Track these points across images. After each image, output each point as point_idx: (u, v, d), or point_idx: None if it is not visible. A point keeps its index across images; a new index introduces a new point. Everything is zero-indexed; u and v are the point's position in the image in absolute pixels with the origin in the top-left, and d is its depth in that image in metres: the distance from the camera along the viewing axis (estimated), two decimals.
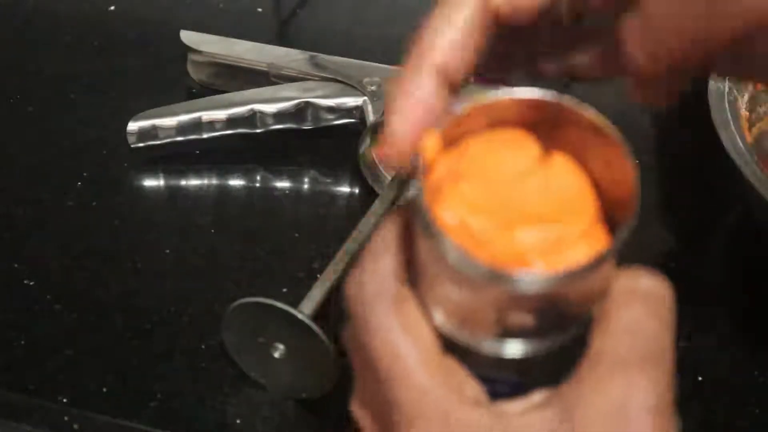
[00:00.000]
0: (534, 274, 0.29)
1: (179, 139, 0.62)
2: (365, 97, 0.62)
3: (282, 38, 0.73)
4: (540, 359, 0.32)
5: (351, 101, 0.63)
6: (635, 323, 0.31)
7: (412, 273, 0.32)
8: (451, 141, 0.32)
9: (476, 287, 0.30)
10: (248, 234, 0.60)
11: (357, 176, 0.62)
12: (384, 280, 0.32)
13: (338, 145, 0.64)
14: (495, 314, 0.31)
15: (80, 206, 0.61)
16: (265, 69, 0.65)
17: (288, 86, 0.64)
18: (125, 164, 0.63)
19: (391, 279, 0.32)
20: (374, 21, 0.75)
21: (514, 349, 0.32)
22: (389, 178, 0.61)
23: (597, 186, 0.32)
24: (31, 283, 0.56)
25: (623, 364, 0.30)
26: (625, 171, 0.30)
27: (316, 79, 0.64)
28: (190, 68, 0.68)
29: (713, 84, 0.57)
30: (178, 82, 0.68)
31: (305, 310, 0.48)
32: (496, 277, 0.29)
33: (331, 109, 0.63)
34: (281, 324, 0.47)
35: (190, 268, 0.58)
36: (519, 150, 0.32)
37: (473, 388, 0.32)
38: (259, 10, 0.75)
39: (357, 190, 0.62)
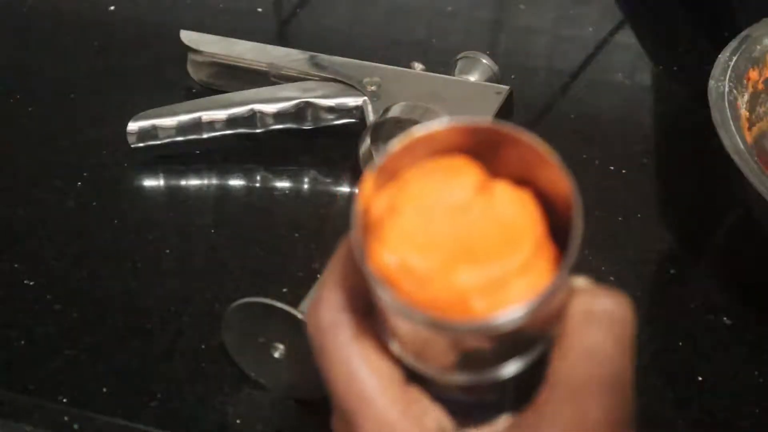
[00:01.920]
0: (473, 321, 0.29)
1: (179, 139, 0.62)
2: (365, 97, 0.62)
3: (282, 38, 0.73)
4: (504, 381, 0.32)
5: (351, 101, 0.63)
6: (591, 347, 0.30)
7: (368, 302, 0.32)
8: (391, 175, 0.32)
9: (421, 331, 0.30)
10: (248, 234, 0.60)
11: (357, 176, 0.62)
12: (340, 311, 0.32)
13: (338, 145, 0.64)
14: (446, 351, 0.30)
15: (80, 206, 0.61)
16: (265, 69, 0.65)
17: (288, 86, 0.64)
18: (125, 164, 0.63)
19: (347, 310, 0.32)
20: (374, 21, 0.75)
21: (473, 378, 0.31)
22: None
23: (544, 208, 0.31)
24: (31, 283, 0.56)
25: (579, 390, 0.30)
26: (566, 194, 0.30)
27: (316, 79, 0.64)
28: (190, 68, 0.68)
29: (713, 84, 0.57)
30: (178, 82, 0.68)
31: (305, 310, 0.48)
32: (435, 325, 0.29)
33: (331, 109, 0.63)
34: (281, 324, 0.47)
35: (190, 268, 0.58)
36: (458, 180, 0.31)
37: (436, 417, 0.32)
38: (259, 10, 0.75)
39: (357, 190, 0.62)
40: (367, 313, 0.32)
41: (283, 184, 0.62)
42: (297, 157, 0.64)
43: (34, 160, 0.64)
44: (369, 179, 0.31)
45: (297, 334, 0.47)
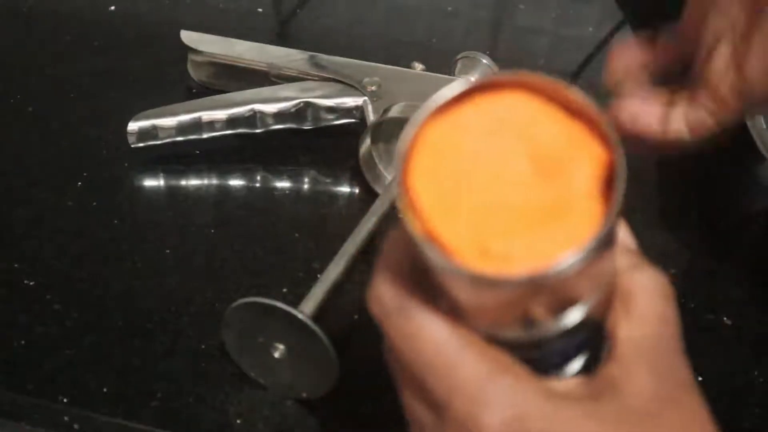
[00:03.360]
0: (533, 271, 0.29)
1: (179, 139, 0.62)
2: (365, 97, 0.62)
3: (282, 38, 0.73)
4: (568, 338, 0.33)
5: (351, 101, 0.63)
6: (657, 310, 0.33)
7: (425, 285, 0.33)
8: (436, 140, 0.32)
9: (486, 293, 0.30)
10: (248, 234, 0.60)
11: (357, 176, 0.62)
12: (404, 294, 0.33)
13: (338, 145, 0.64)
14: (510, 310, 0.31)
15: (80, 206, 0.61)
16: (265, 69, 0.65)
17: (288, 86, 0.64)
18: (125, 164, 0.63)
19: (411, 292, 0.33)
20: (374, 21, 0.75)
21: (538, 333, 0.32)
22: (389, 178, 0.61)
23: (590, 167, 0.32)
24: (31, 283, 0.56)
25: (653, 347, 0.33)
26: (610, 145, 0.31)
27: (316, 79, 0.64)
28: (190, 68, 0.68)
29: None
30: (178, 82, 0.68)
31: (305, 310, 0.48)
32: (499, 282, 0.29)
33: (331, 109, 0.63)
34: (281, 324, 0.47)
35: (190, 268, 0.58)
36: (504, 145, 0.32)
37: (522, 367, 0.33)
38: (259, 10, 0.75)
39: (357, 190, 0.62)
40: (427, 294, 0.33)
41: (283, 184, 0.62)
42: (297, 157, 0.64)
43: (34, 160, 0.64)
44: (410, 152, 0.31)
45: (297, 334, 0.47)
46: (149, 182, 0.62)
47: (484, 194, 0.31)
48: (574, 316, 0.32)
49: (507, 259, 0.30)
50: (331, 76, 0.64)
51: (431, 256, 0.30)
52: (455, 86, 0.31)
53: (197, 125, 0.62)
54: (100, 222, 0.60)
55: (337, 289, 0.48)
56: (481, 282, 0.30)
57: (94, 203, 0.61)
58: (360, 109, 0.63)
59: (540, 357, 0.33)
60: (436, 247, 0.30)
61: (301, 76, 0.65)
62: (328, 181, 0.63)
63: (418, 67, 0.65)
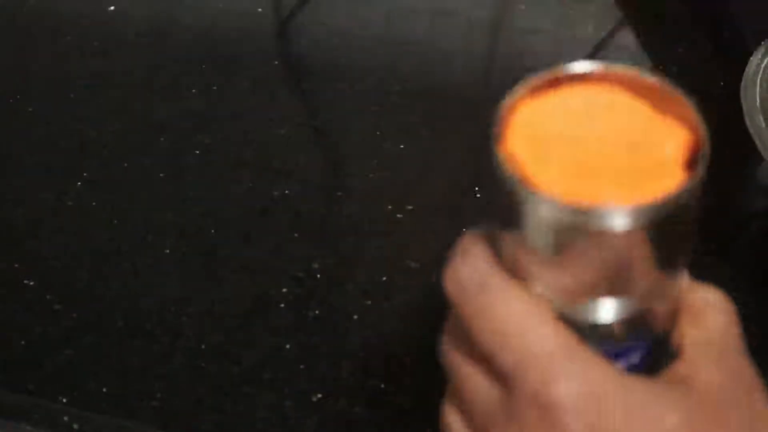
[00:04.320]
0: (624, 205, 0.30)
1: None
2: None
3: (282, 38, 0.73)
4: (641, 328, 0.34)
5: None
6: (723, 325, 0.35)
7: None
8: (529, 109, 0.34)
9: (566, 238, 0.31)
10: (248, 234, 0.60)
11: (359, 175, 0.62)
12: (481, 267, 0.33)
13: (339, 144, 0.64)
14: (594, 268, 0.31)
15: (80, 206, 0.61)
16: None
17: None
18: (125, 164, 0.63)
19: (492, 263, 0.33)
20: (374, 21, 0.75)
21: (614, 309, 0.33)
22: None
23: (677, 144, 0.33)
24: (31, 283, 0.56)
25: (724, 350, 0.34)
26: (693, 123, 0.33)
27: None
28: None
29: (744, 85, 0.57)
30: (177, 83, 0.68)
31: None
32: (586, 214, 0.30)
33: None
34: None
35: (190, 269, 0.58)
36: (595, 122, 0.33)
37: (593, 349, 0.33)
38: (259, 10, 0.75)
39: (357, 189, 0.62)
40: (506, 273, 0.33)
41: (282, 183, 0.62)
42: (297, 156, 0.64)
43: (34, 160, 0.64)
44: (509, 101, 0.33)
45: None
46: (149, 182, 0.62)
47: (575, 156, 0.32)
48: (646, 304, 0.33)
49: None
50: None
51: (525, 196, 0.31)
52: (553, 71, 0.33)
53: None
54: (100, 222, 0.60)
55: None
56: (576, 216, 0.30)
57: (94, 203, 0.61)
58: None
59: (604, 351, 0.33)
60: (531, 187, 0.31)
61: None
62: (328, 181, 0.63)
63: None
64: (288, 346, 0.53)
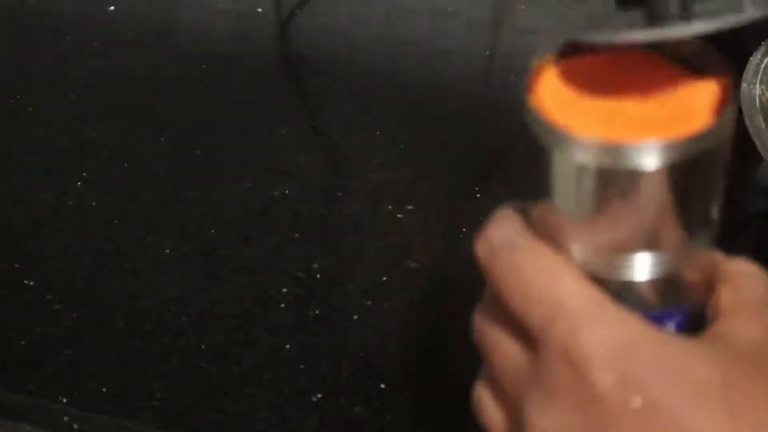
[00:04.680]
0: (659, 140, 0.30)
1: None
2: None
3: (282, 38, 0.73)
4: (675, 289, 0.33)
5: None
6: (761, 290, 0.33)
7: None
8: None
9: (598, 183, 0.31)
10: (248, 234, 0.60)
11: (360, 177, 0.62)
12: (511, 229, 0.33)
13: (338, 144, 0.64)
14: (622, 215, 0.31)
15: (80, 206, 0.61)
16: None
17: None
18: (125, 164, 0.63)
19: (523, 228, 0.33)
20: (374, 21, 0.75)
21: (652, 264, 0.32)
22: None
23: (707, 92, 0.33)
24: (31, 283, 0.56)
25: (760, 310, 0.33)
26: (721, 74, 0.33)
27: None
28: None
29: (745, 87, 0.57)
30: (177, 82, 0.68)
31: None
32: (617, 150, 0.30)
33: None
34: None
35: (190, 269, 0.58)
36: (626, 75, 0.33)
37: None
38: (259, 10, 0.75)
39: (357, 187, 0.62)
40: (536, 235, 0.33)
41: (282, 183, 0.62)
42: (297, 156, 0.64)
43: (34, 160, 0.64)
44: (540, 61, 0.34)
45: None
46: (149, 182, 0.62)
47: (606, 106, 0.32)
48: (680, 262, 0.33)
49: None
50: None
51: (558, 138, 0.31)
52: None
53: None
54: (100, 222, 0.60)
55: None
56: (608, 155, 0.30)
57: (94, 203, 0.61)
58: None
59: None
60: (564, 129, 0.31)
61: None
62: (328, 181, 0.63)
63: None
64: (288, 346, 0.53)
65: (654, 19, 0.31)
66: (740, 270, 0.35)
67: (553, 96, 0.33)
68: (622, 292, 0.32)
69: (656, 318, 0.33)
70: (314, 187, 0.62)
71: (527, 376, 0.32)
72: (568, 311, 0.30)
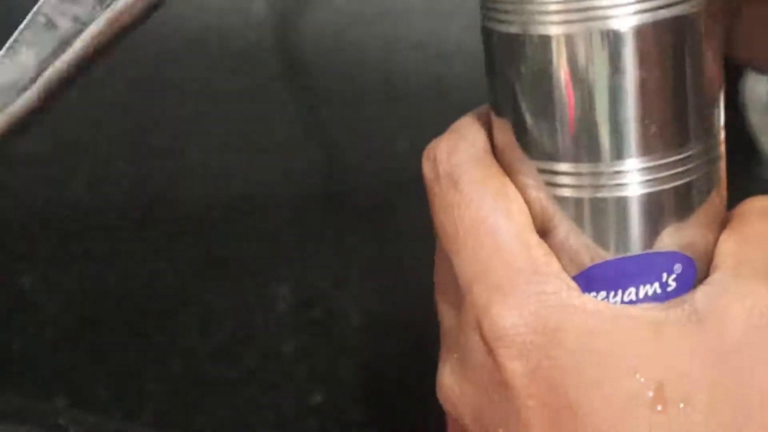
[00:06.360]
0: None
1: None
2: None
3: (282, 38, 0.73)
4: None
5: None
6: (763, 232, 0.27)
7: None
8: None
9: (566, 57, 0.27)
10: (247, 234, 0.60)
11: (364, 174, 0.62)
12: (468, 152, 0.28)
13: (339, 144, 0.64)
14: (597, 98, 0.26)
15: (80, 206, 0.61)
16: None
17: None
18: (125, 164, 0.63)
19: (480, 150, 0.28)
20: (374, 21, 0.75)
21: (639, 174, 0.26)
22: None
23: None
24: (30, 283, 0.56)
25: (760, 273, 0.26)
26: None
27: None
28: None
29: (750, 84, 0.57)
30: (177, 82, 0.68)
31: None
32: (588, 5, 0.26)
33: None
34: None
35: (190, 268, 0.58)
36: None
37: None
38: (259, 10, 0.75)
39: (361, 192, 0.62)
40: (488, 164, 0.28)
41: (282, 183, 0.63)
42: (297, 156, 0.64)
43: (34, 159, 0.64)
44: None
45: None
46: (149, 182, 0.62)
47: None
48: (679, 174, 0.27)
49: None
50: None
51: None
52: None
53: None
54: (100, 221, 0.60)
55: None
56: (577, 12, 0.26)
57: (94, 203, 0.61)
58: None
59: (625, 266, 0.27)
60: None
61: None
62: (328, 181, 0.63)
63: None
64: (288, 346, 0.53)
65: None
66: (752, 206, 0.29)
67: None
68: (599, 220, 0.27)
69: (650, 261, 0.27)
70: (314, 186, 0.62)
71: (453, 342, 0.27)
72: (489, 275, 0.25)
